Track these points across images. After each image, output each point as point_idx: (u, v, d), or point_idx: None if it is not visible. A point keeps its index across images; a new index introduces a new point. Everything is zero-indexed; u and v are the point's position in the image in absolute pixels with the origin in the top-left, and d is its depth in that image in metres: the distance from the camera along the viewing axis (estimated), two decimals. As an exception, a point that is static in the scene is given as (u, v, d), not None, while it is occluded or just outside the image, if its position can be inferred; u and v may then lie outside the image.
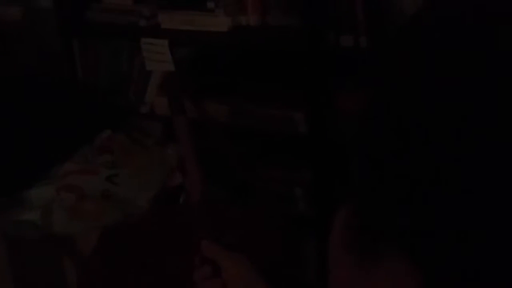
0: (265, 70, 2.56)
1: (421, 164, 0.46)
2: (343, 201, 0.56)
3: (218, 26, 2.49)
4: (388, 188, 0.48)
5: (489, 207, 0.44)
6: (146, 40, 2.58)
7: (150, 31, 2.63)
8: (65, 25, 2.85)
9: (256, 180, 2.61)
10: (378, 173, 0.49)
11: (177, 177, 2.63)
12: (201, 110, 2.60)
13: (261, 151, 2.62)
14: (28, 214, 2.36)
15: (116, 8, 2.77)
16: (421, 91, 0.48)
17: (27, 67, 2.94)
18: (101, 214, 2.36)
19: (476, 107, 0.45)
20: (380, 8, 2.21)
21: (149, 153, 2.63)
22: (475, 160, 0.44)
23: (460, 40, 0.48)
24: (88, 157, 2.59)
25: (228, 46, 2.62)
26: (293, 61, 2.31)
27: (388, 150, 0.49)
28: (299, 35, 2.30)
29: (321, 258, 2.50)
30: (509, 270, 0.45)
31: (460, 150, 0.45)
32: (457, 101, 0.46)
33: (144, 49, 2.60)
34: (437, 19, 0.51)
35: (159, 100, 2.74)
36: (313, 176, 2.44)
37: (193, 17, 2.55)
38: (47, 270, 2.30)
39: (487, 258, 0.45)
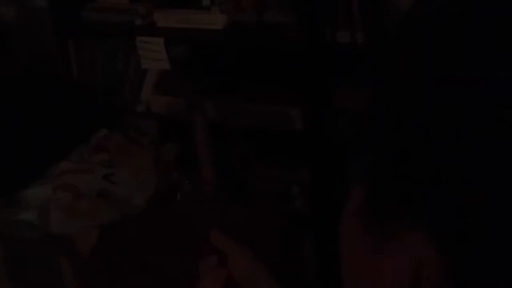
0: (261, 68, 2.56)
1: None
2: (349, 191, 0.56)
3: (214, 24, 2.49)
4: (408, 165, 0.48)
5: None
6: (142, 39, 2.58)
7: (146, 29, 2.63)
8: (60, 24, 2.84)
9: (254, 179, 2.61)
10: (395, 155, 0.50)
11: (174, 175, 2.63)
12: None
13: (258, 150, 2.62)
14: (25, 214, 2.35)
15: (111, 7, 2.77)
16: (422, 89, 0.48)
17: (23, 67, 2.94)
18: (98, 213, 2.35)
19: (476, 106, 0.45)
20: (376, 3, 2.21)
21: (145, 151, 2.62)
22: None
23: (460, 40, 0.48)
24: (84, 156, 2.59)
25: (224, 44, 2.61)
26: (290, 59, 2.30)
27: (402, 131, 0.49)
28: (296, 32, 2.29)
29: (319, 256, 2.50)
30: None
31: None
32: (457, 100, 0.46)
33: (140, 47, 2.60)
34: (435, 17, 0.50)
35: (155, 98, 2.74)
36: (311, 174, 2.44)
37: (189, 15, 2.55)
38: (44, 270, 2.29)
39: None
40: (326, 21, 2.25)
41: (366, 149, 0.53)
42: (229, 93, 2.59)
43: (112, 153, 2.58)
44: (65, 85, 2.87)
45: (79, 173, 2.48)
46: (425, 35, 0.50)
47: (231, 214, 2.11)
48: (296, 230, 2.45)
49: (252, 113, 2.51)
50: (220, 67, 2.68)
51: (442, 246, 0.47)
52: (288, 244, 2.20)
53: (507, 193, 0.45)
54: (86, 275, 2.18)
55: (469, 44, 0.47)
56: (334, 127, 2.34)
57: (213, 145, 2.54)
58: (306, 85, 2.33)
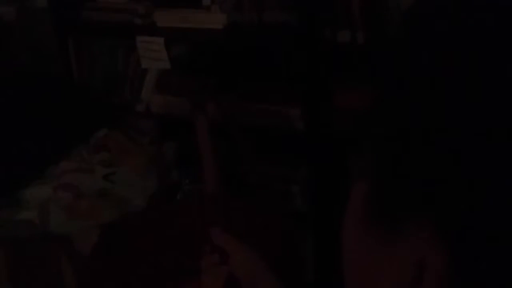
0: (261, 67, 2.56)
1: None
2: (354, 182, 0.56)
3: (214, 23, 2.49)
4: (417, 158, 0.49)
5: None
6: (142, 38, 2.58)
7: (146, 29, 2.63)
8: (60, 24, 2.84)
9: (254, 178, 2.61)
10: (404, 148, 0.50)
11: (174, 175, 2.63)
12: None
13: (258, 149, 2.62)
14: (25, 214, 2.35)
15: (111, 7, 2.77)
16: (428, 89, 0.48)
17: (23, 66, 2.94)
18: (98, 213, 2.35)
19: (479, 103, 0.45)
20: (376, 2, 2.21)
21: (145, 151, 2.62)
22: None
23: (461, 39, 0.48)
24: (85, 156, 2.59)
25: (224, 44, 2.61)
26: (290, 58, 2.30)
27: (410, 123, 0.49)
28: (296, 32, 2.29)
29: (319, 255, 2.50)
30: None
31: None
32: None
33: (140, 47, 2.59)
34: (435, 19, 0.51)
35: (155, 98, 2.74)
36: (311, 173, 2.44)
37: (189, 15, 2.55)
38: (44, 269, 2.29)
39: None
40: (326, 20, 2.25)
41: (369, 147, 0.53)
42: (229, 92, 2.59)
43: (112, 153, 2.58)
44: (65, 85, 2.87)
45: (79, 172, 2.48)
46: (427, 34, 0.50)
47: (231, 213, 2.11)
48: (296, 229, 2.45)
49: (252, 113, 2.51)
50: (220, 67, 2.68)
51: (447, 244, 0.47)
52: (287, 243, 2.20)
53: None
54: (86, 274, 2.18)
55: (471, 42, 0.47)
56: (333, 126, 2.34)
57: (211, 143, 2.54)
58: (306, 85, 2.33)
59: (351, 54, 2.24)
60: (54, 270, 2.29)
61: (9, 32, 2.96)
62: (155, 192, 2.48)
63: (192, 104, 2.43)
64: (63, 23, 2.83)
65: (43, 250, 2.30)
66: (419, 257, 0.49)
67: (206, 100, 2.45)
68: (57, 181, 2.45)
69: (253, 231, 2.03)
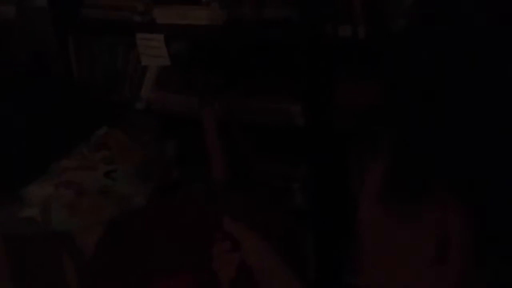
0: (262, 64, 2.55)
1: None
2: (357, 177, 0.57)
3: (213, 19, 2.49)
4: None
5: None
6: (141, 36, 2.58)
7: (145, 26, 2.63)
8: (60, 22, 2.84)
9: (254, 174, 2.60)
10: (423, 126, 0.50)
11: (174, 172, 2.63)
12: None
13: (259, 146, 2.62)
14: (27, 211, 2.35)
15: (110, 4, 2.76)
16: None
17: (22, 65, 2.94)
18: (99, 210, 2.35)
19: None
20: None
21: (146, 148, 2.62)
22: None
23: (463, 38, 0.48)
24: (86, 154, 2.59)
25: (224, 40, 2.61)
26: (290, 54, 2.30)
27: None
28: (296, 27, 2.29)
29: (319, 252, 2.50)
30: None
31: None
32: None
33: (139, 44, 2.59)
34: (436, 20, 0.51)
35: (155, 95, 2.74)
36: (312, 170, 2.43)
37: (188, 11, 2.55)
38: (46, 267, 2.29)
39: None
40: (327, 15, 2.24)
41: (386, 127, 0.53)
42: (229, 89, 2.59)
43: (113, 150, 2.58)
44: (65, 83, 2.87)
45: (81, 170, 2.48)
46: (428, 34, 0.51)
47: (232, 210, 2.12)
48: (296, 226, 2.45)
49: (252, 109, 2.51)
50: (220, 63, 2.68)
51: (470, 215, 0.47)
52: (288, 241, 2.20)
53: None
54: (88, 271, 2.18)
55: (471, 42, 0.48)
56: (335, 122, 2.34)
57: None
58: (307, 81, 2.32)
59: (353, 49, 2.23)
60: (55, 267, 2.29)
61: (9, 30, 2.96)
62: (156, 189, 2.48)
63: (200, 99, 2.43)
64: (63, 22, 2.83)
65: (45, 247, 2.30)
66: (442, 230, 0.49)
67: (214, 94, 2.46)
68: (59, 178, 2.45)
69: (253, 229, 2.03)
